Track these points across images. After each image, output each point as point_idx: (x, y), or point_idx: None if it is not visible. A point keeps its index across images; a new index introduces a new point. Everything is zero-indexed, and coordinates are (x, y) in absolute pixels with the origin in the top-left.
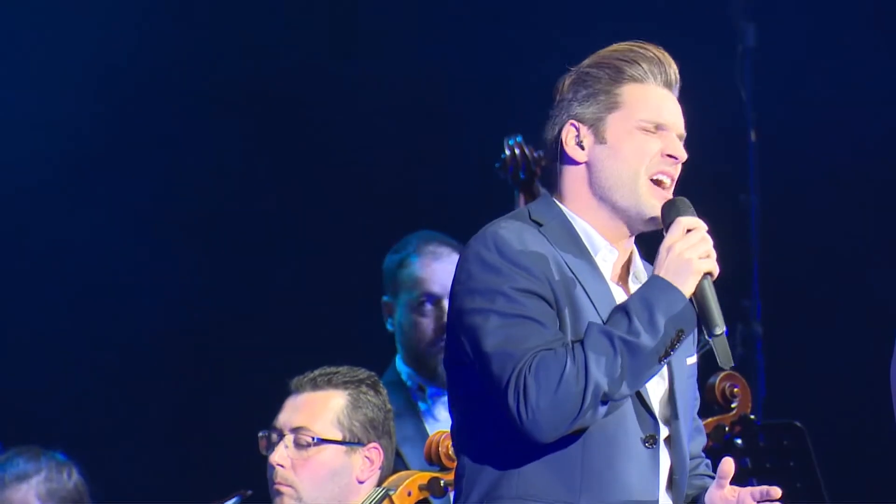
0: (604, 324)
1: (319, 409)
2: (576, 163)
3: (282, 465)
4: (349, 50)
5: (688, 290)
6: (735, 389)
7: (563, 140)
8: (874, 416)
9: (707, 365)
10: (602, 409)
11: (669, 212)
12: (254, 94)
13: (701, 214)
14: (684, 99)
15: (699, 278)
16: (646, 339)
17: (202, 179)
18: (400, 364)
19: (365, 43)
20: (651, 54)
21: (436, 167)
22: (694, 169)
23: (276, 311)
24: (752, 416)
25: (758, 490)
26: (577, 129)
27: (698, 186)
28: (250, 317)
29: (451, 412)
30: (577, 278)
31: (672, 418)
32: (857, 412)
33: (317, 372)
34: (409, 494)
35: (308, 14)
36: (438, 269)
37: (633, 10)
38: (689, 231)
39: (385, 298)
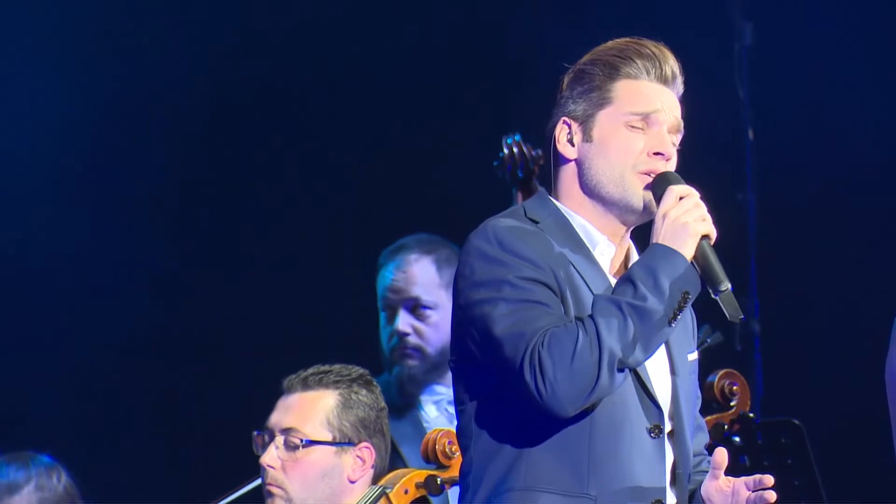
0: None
1: (309, 409)
2: (567, 160)
3: (272, 467)
4: (348, 47)
5: (688, 252)
6: (734, 387)
7: (556, 137)
8: (872, 414)
9: (706, 363)
10: (619, 377)
11: (660, 184)
12: (249, 94)
13: None
14: (682, 97)
15: (698, 240)
16: (653, 303)
17: (200, 175)
18: None
19: (364, 40)
20: (647, 51)
21: (434, 166)
22: (691, 168)
23: (275, 309)
24: (751, 414)
25: (751, 479)
26: (569, 127)
27: (696, 185)
28: (248, 316)
29: (455, 409)
30: (577, 271)
31: (675, 413)
32: (855, 410)
33: (309, 371)
34: (406, 492)
35: (307, 12)
36: (396, 276)
37: (631, 9)
38: (681, 198)
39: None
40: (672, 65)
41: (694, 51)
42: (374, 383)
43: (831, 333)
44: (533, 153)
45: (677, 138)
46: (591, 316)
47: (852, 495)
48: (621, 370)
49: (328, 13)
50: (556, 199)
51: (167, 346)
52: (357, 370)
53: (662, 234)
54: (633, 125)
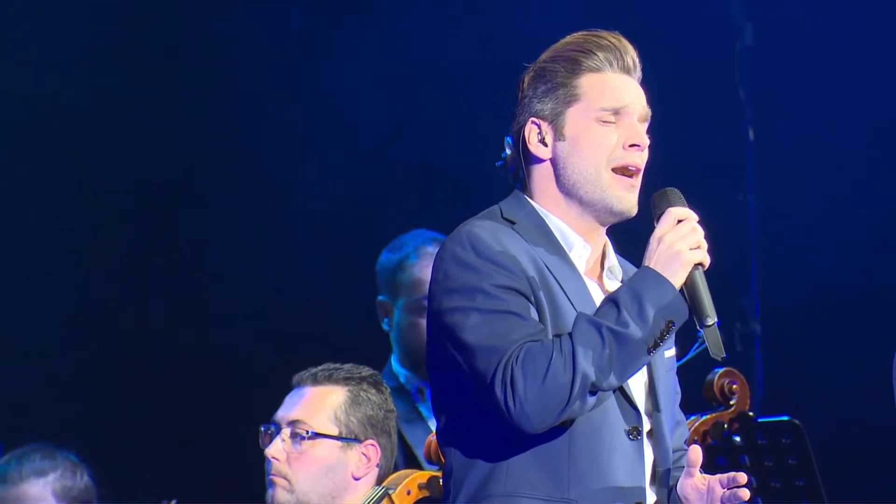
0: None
1: (317, 403)
2: (541, 160)
3: (276, 458)
4: (350, 43)
5: (678, 281)
6: (734, 386)
7: (526, 139)
8: (872, 413)
9: (706, 362)
10: (591, 400)
11: (660, 202)
12: (244, 93)
13: (699, 212)
14: (684, 99)
15: (689, 269)
16: (634, 330)
17: (209, 164)
18: (397, 366)
19: (366, 38)
20: (606, 42)
21: (437, 166)
22: (692, 167)
23: (278, 310)
24: (751, 414)
25: (725, 476)
26: (539, 127)
27: (697, 185)
28: (251, 317)
29: (434, 415)
30: (552, 274)
31: (654, 411)
32: (856, 410)
33: (319, 367)
34: (409, 493)
35: (305, 7)
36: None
37: (632, 9)
38: (679, 222)
39: (381, 298)
40: (632, 54)
41: (694, 51)
42: (384, 385)
43: (832, 333)
44: None
45: (646, 126)
46: (569, 335)
47: (853, 495)
48: (594, 393)
49: (329, 11)
50: (531, 198)
51: (172, 345)
52: (367, 370)
53: (655, 259)
54: (604, 120)
